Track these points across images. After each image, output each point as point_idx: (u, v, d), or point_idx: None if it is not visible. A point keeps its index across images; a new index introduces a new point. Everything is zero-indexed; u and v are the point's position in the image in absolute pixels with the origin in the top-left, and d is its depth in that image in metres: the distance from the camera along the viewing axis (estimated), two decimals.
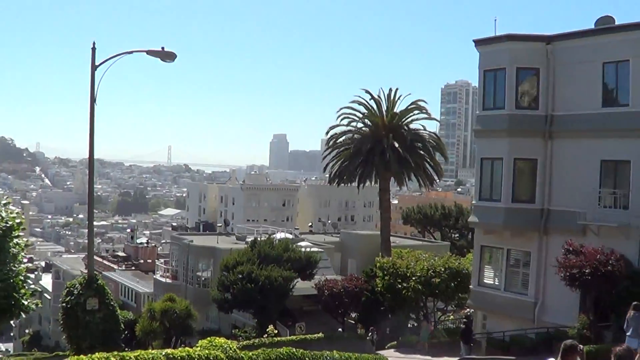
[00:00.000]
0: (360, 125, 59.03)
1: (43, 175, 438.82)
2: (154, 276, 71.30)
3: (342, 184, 60.71)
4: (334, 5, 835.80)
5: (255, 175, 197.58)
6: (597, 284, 28.42)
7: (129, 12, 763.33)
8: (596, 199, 32.34)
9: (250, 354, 15.66)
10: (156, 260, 79.43)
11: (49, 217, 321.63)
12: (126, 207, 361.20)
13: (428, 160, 58.21)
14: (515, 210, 35.15)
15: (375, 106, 57.81)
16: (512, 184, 35.33)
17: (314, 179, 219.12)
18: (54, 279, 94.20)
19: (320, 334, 40.87)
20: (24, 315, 23.76)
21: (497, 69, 36.00)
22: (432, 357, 34.29)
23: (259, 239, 55.29)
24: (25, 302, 21.97)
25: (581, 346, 10.35)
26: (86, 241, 28.91)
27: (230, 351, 14.40)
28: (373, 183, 60.03)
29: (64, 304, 23.17)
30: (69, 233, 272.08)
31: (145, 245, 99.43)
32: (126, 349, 23.33)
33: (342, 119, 58.50)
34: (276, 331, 41.68)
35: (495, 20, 61.14)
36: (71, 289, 23.20)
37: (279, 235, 61.94)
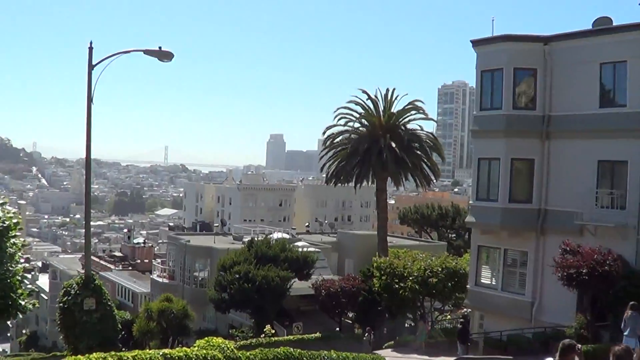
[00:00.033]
0: (357, 125, 59.02)
1: (40, 175, 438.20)
2: (151, 276, 71.34)
3: (339, 184, 60.65)
4: (331, 5, 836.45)
5: (252, 175, 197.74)
6: (594, 284, 28.43)
7: (126, 12, 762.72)
8: (593, 199, 32.38)
9: (248, 353, 15.66)
10: (153, 260, 79.50)
11: (46, 217, 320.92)
12: (123, 207, 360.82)
13: (425, 160, 58.20)
14: (513, 210, 35.18)
15: (372, 106, 57.78)
16: (509, 184, 35.36)
17: (310, 179, 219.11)
18: (50, 279, 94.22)
19: (318, 334, 40.99)
20: (21, 316, 23.75)
21: (495, 69, 36.02)
22: (429, 357, 34.23)
23: (256, 239, 55.33)
24: (23, 302, 21.96)
25: (579, 345, 10.36)
26: (83, 241, 28.92)
27: (228, 351, 14.40)
28: (370, 183, 59.99)
29: (61, 304, 23.12)
30: (66, 233, 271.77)
31: (142, 245, 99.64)
32: (123, 349, 23.34)
33: (339, 119, 58.49)
34: (273, 331, 41.78)
35: (493, 20, 61.06)
36: (68, 289, 23.16)
37: (276, 235, 61.99)
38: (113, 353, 12.12)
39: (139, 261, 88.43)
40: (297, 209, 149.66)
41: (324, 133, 60.54)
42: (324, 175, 65.92)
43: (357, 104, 57.97)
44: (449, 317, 48.02)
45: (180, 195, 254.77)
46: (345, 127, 59.14)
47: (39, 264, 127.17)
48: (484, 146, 37.61)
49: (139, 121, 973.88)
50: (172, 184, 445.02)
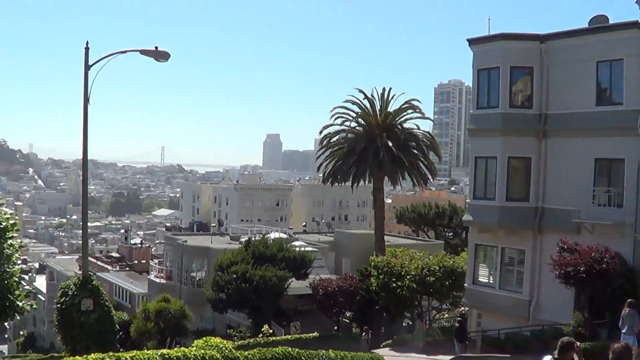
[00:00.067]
0: (354, 124, 59.00)
1: (36, 177, 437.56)
2: (148, 277, 71.30)
3: (336, 184, 60.63)
4: (327, 5, 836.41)
5: (249, 175, 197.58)
6: (591, 281, 28.46)
7: (123, 12, 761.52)
8: (590, 197, 32.42)
9: (246, 353, 15.62)
10: (150, 261, 79.46)
11: (43, 218, 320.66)
12: (120, 207, 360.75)
13: (422, 159, 58.20)
14: (510, 208, 35.23)
15: (368, 105, 57.78)
16: (506, 182, 35.40)
17: (307, 178, 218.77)
18: (48, 280, 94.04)
19: (315, 333, 40.96)
20: (18, 317, 23.72)
21: (491, 68, 36.06)
22: (426, 356, 34.27)
23: (253, 238, 55.26)
24: (20, 304, 21.93)
25: (578, 343, 10.38)
26: (80, 242, 28.88)
27: (226, 351, 14.37)
28: (367, 182, 60.01)
29: (58, 305, 23.07)
30: (63, 234, 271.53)
31: (139, 245, 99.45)
32: (121, 350, 23.30)
33: (335, 119, 58.51)
34: (271, 331, 41.74)
35: (489, 19, 61.31)
36: (66, 289, 23.12)
37: (273, 235, 61.97)
38: (111, 353, 12.08)
39: (136, 262, 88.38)
40: (294, 209, 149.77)
41: (320, 132, 60.60)
42: (321, 175, 65.99)
43: (353, 103, 58.01)
44: (446, 315, 48.03)
45: (177, 195, 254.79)
46: (342, 127, 59.22)
47: (36, 265, 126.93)
48: (480, 145, 37.67)
49: (136, 122, 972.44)
50: (169, 185, 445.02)
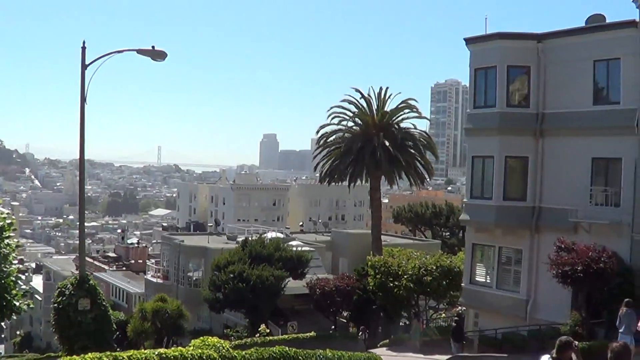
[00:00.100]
0: (350, 124, 58.89)
1: (33, 177, 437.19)
2: (145, 276, 71.25)
3: (333, 183, 60.55)
4: (324, 4, 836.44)
5: (246, 175, 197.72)
6: (589, 281, 28.45)
7: (119, 13, 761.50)
8: (587, 196, 32.37)
9: (244, 353, 15.57)
10: (147, 261, 79.52)
11: (39, 218, 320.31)
12: (116, 207, 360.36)
13: (419, 159, 58.15)
14: (507, 208, 35.19)
15: (365, 105, 57.70)
16: (503, 182, 35.36)
17: (304, 178, 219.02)
18: (44, 280, 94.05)
19: (312, 333, 40.98)
20: (15, 317, 23.72)
21: (488, 67, 36.01)
22: (423, 355, 34.21)
23: (249, 238, 55.21)
24: (17, 303, 21.94)
25: (576, 342, 10.37)
26: (76, 242, 28.82)
27: (224, 350, 14.33)
28: (364, 182, 59.90)
29: (55, 305, 23.04)
30: (59, 234, 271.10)
31: (136, 245, 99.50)
32: (118, 350, 23.26)
33: (332, 118, 58.38)
34: (268, 330, 41.71)
35: (486, 18, 61.14)
36: (63, 289, 23.08)
37: (270, 234, 61.89)
38: (108, 353, 12.05)
39: (132, 261, 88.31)
40: (290, 209, 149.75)
41: (317, 132, 60.52)
42: (318, 175, 65.86)
43: (350, 102, 57.92)
44: (443, 315, 48.04)
45: (174, 195, 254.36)
46: (339, 126, 59.09)
47: (33, 265, 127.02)
48: (477, 144, 37.62)
49: (132, 122, 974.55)
50: (166, 184, 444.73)
